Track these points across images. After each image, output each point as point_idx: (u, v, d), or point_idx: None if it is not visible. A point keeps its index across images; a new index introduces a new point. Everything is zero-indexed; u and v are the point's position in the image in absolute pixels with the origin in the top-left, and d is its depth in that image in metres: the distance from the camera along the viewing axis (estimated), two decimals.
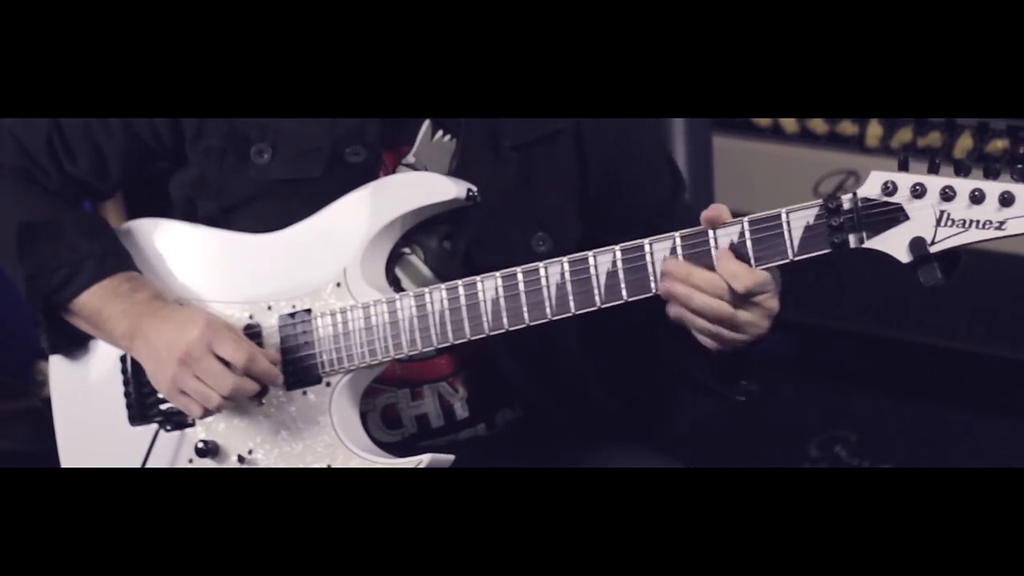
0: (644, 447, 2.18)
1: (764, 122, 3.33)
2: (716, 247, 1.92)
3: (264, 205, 2.16)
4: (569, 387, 2.20)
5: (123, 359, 2.21)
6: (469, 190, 2.09)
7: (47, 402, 2.32)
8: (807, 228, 1.90)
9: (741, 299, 1.90)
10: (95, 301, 2.14)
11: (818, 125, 3.28)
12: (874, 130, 3.20)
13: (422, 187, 2.10)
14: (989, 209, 1.82)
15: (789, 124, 3.32)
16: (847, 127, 3.24)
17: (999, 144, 3.03)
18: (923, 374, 3.27)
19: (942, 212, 1.84)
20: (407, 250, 2.16)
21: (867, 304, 3.25)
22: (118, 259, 2.17)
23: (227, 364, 2.05)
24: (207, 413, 2.08)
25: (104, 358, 2.23)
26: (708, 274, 1.91)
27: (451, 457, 2.09)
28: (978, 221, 1.83)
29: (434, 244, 2.16)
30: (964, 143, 3.05)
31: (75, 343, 2.22)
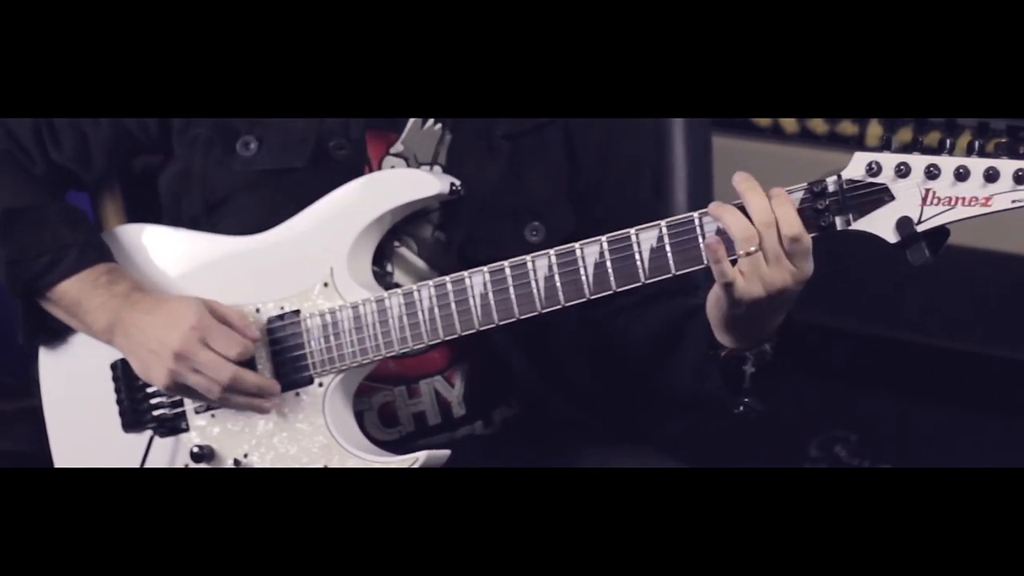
0: (644, 447, 2.18)
1: (764, 122, 3.33)
2: (703, 235, 1.91)
3: (248, 199, 2.16)
4: (568, 380, 2.20)
5: (114, 367, 2.21)
6: (452, 184, 2.09)
7: None
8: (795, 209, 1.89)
9: (780, 247, 1.86)
10: (74, 292, 2.14)
11: (818, 125, 3.28)
12: (874, 130, 3.20)
13: (406, 183, 2.10)
14: (974, 185, 1.83)
15: (789, 124, 3.31)
16: (847, 127, 3.24)
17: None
18: (923, 374, 3.27)
19: (927, 191, 1.84)
20: (397, 243, 2.16)
21: (867, 304, 3.25)
22: (100, 250, 2.18)
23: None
24: (212, 402, 2.10)
25: (94, 365, 2.23)
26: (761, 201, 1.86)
27: (446, 453, 2.09)
28: (964, 198, 1.83)
29: (427, 235, 2.16)
30: (964, 143, 3.05)
31: (52, 334, 2.22)
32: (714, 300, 1.94)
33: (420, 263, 2.16)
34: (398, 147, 2.17)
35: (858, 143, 3.20)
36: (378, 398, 2.19)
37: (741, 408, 2.01)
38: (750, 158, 3.24)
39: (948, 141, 1.85)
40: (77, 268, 2.14)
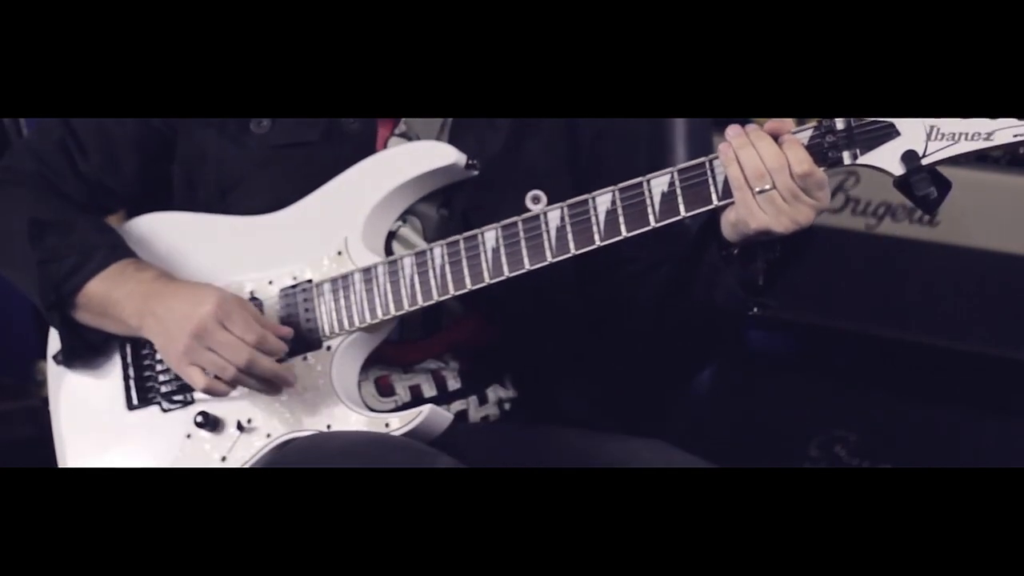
0: (643, 441, 2.18)
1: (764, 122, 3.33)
2: (714, 179, 1.96)
3: (263, 176, 2.19)
4: (567, 361, 2.23)
5: (122, 344, 2.22)
6: (469, 158, 2.12)
7: (46, 402, 2.33)
8: (804, 148, 1.96)
9: (791, 182, 1.93)
10: (103, 289, 2.16)
11: None
12: None
13: (421, 154, 2.14)
14: (978, 120, 1.90)
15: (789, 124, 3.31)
16: None
17: None
18: (923, 374, 3.27)
19: (932, 127, 1.92)
20: (401, 222, 2.18)
21: (867, 304, 3.25)
22: (126, 250, 2.20)
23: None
24: (215, 390, 2.09)
25: (103, 348, 2.24)
26: (771, 142, 1.96)
27: (450, 416, 2.11)
28: (967, 133, 1.91)
29: (433, 213, 2.18)
30: None
31: (92, 350, 2.23)
32: (731, 226, 1.97)
33: (422, 243, 2.17)
34: (401, 127, 2.20)
35: None
36: (374, 371, 2.21)
37: (756, 309, 2.04)
38: None
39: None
40: (106, 264, 2.16)
